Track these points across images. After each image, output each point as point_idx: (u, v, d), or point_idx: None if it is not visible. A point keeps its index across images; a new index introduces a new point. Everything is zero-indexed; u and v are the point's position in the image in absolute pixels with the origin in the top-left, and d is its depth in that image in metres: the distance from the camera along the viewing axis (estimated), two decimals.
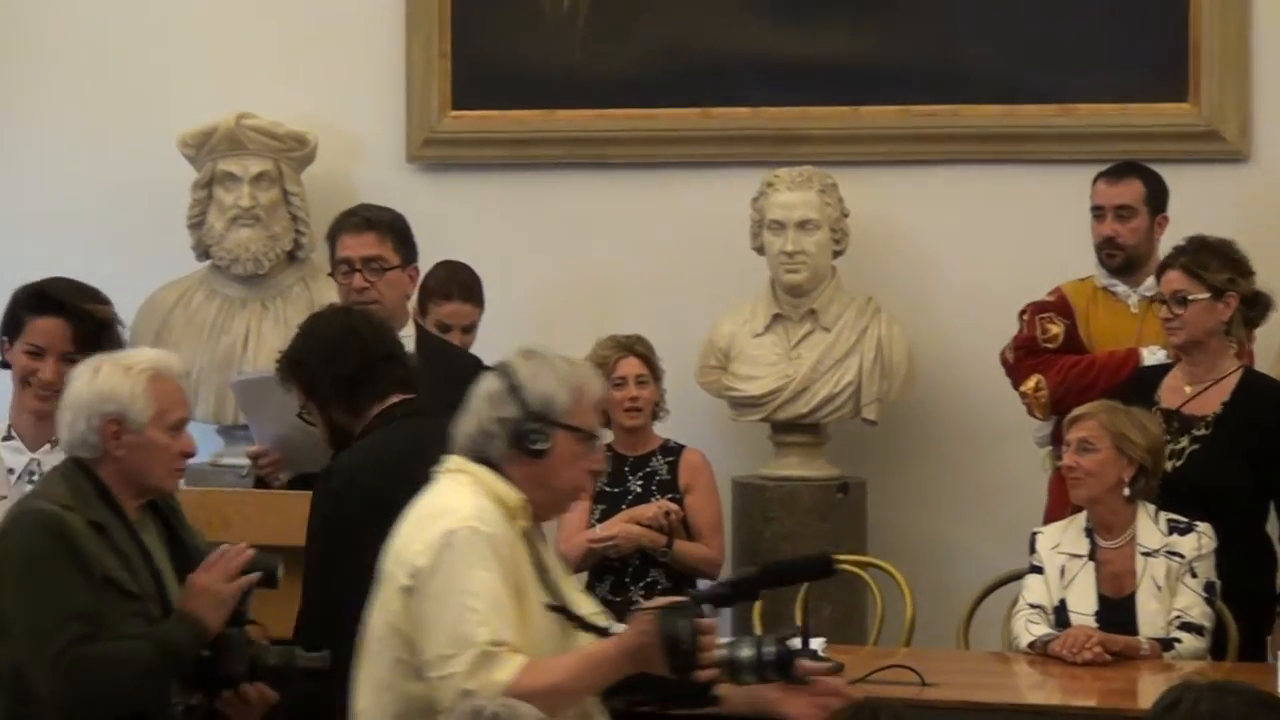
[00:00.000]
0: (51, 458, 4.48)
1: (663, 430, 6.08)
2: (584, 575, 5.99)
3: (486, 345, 5.98)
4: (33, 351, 4.53)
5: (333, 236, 5.44)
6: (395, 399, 4.43)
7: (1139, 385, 5.37)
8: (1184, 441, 5.23)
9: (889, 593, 5.54)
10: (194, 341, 6.38)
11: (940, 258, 6.41)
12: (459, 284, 6.07)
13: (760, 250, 6.26)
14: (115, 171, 6.75)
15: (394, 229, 5.38)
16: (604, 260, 6.61)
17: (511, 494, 3.59)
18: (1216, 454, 5.22)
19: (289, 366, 4.50)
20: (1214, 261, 5.26)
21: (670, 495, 5.92)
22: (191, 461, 6.37)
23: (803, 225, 6.16)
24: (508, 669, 3.41)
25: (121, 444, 3.87)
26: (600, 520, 5.92)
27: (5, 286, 6.75)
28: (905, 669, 4.60)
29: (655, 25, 6.52)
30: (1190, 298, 5.23)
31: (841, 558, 5.84)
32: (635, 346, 6.01)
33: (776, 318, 6.26)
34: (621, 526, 5.87)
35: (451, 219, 6.53)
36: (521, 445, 3.60)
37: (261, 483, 5.10)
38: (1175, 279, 5.27)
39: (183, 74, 6.73)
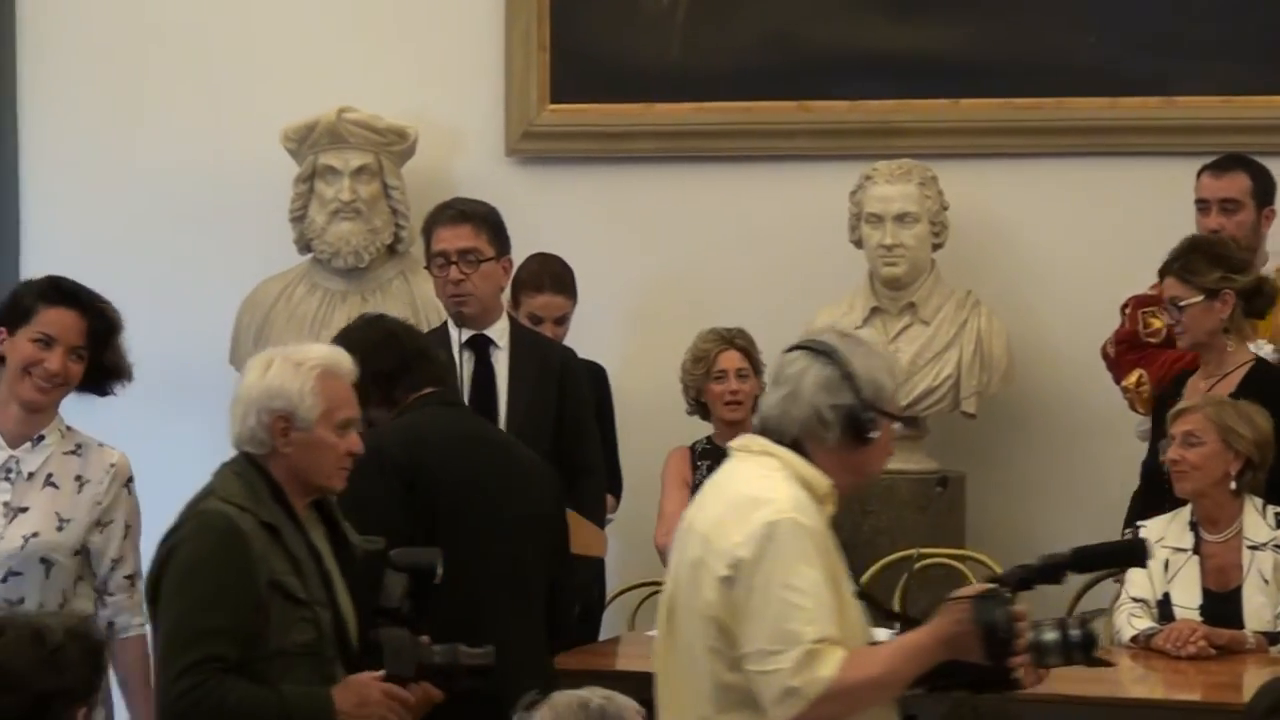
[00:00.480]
0: (32, 457, 4.47)
1: None
2: None
3: (583, 338, 6.00)
4: (41, 340, 4.45)
5: (428, 230, 5.47)
6: (428, 390, 4.48)
7: (1173, 386, 5.45)
8: None
9: None
10: (295, 335, 6.42)
11: (1041, 251, 6.37)
12: (550, 275, 6.07)
13: (858, 243, 6.24)
14: (219, 165, 6.81)
15: (488, 221, 5.41)
16: (701, 254, 6.60)
17: (822, 480, 3.52)
18: None
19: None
20: (1203, 264, 5.30)
21: None
22: None
23: (901, 218, 6.14)
24: (831, 664, 3.38)
25: (290, 441, 3.84)
26: None
27: (114, 281, 6.86)
28: None
29: (753, 18, 6.51)
30: (1184, 303, 5.29)
31: (939, 551, 5.85)
32: (736, 340, 6.01)
33: (875, 311, 6.24)
34: None
35: (550, 212, 6.55)
36: (856, 433, 3.52)
37: None
38: (1170, 286, 5.34)
39: (285, 68, 6.78)
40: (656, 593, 6.22)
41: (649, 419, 6.27)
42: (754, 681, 3.41)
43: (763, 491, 3.49)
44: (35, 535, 4.44)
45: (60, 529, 4.46)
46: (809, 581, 3.41)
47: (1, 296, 4.68)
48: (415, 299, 6.42)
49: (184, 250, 6.84)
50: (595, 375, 6.04)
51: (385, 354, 4.47)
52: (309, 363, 3.88)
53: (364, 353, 4.40)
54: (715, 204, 6.60)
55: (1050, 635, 3.51)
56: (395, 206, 6.49)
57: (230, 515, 3.78)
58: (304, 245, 6.51)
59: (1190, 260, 5.32)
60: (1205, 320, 5.28)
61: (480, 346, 5.39)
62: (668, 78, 6.56)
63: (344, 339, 4.52)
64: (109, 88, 6.96)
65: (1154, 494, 5.27)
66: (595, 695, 3.30)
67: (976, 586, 3.58)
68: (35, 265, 6.95)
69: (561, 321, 6.06)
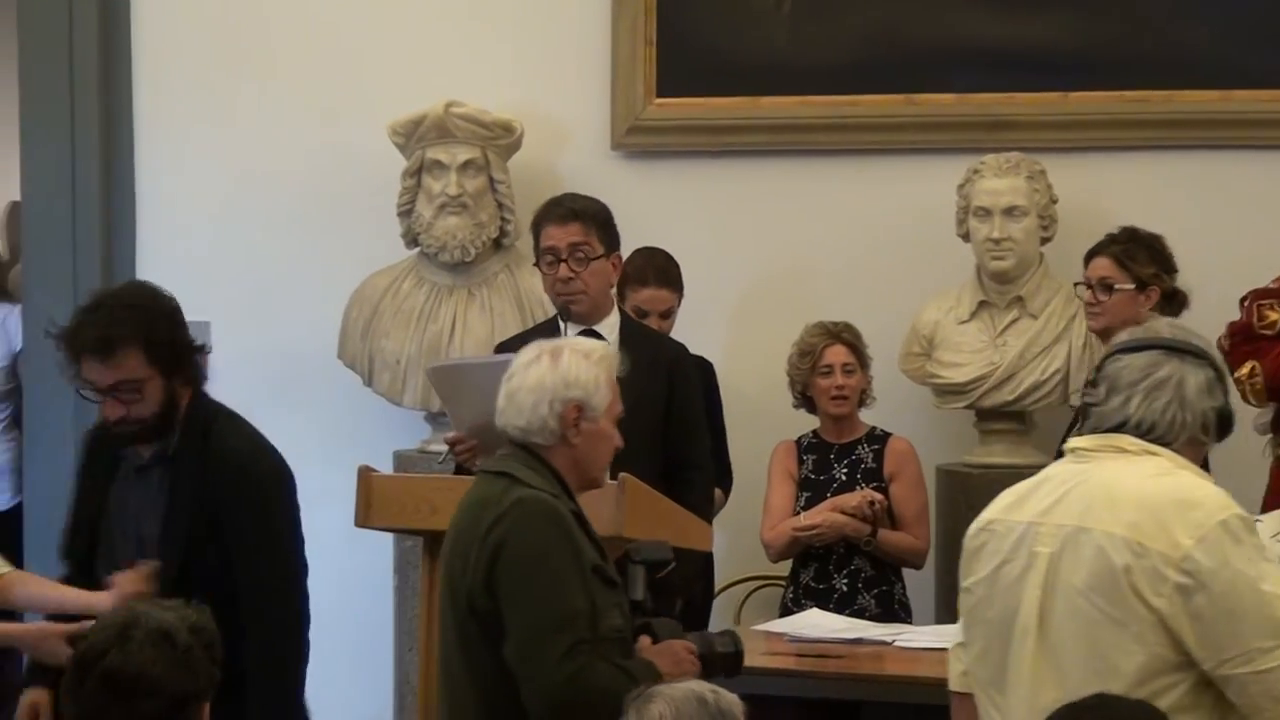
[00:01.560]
0: None
1: (867, 417, 6.05)
2: (788, 563, 5.99)
3: (689, 333, 5.99)
4: None
5: (537, 226, 5.47)
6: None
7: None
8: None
9: None
10: (402, 329, 6.46)
11: None
12: (655, 269, 6.07)
13: (966, 237, 6.20)
14: (328, 160, 6.85)
15: (598, 219, 5.40)
16: (808, 247, 6.58)
17: (1209, 479, 3.52)
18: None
19: (151, 351, 4.24)
20: (1143, 254, 5.45)
21: (875, 484, 5.89)
22: (399, 448, 6.52)
23: (1009, 212, 6.10)
24: None
25: (580, 432, 3.84)
26: (805, 508, 5.91)
27: (222, 275, 6.93)
28: None
29: (860, 11, 6.48)
30: (1116, 286, 5.45)
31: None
32: (843, 334, 5.99)
33: (982, 304, 6.21)
34: (826, 515, 5.85)
35: (656, 206, 6.55)
36: (1222, 434, 3.56)
37: (461, 469, 5.12)
38: (1104, 266, 5.49)
39: (392, 62, 6.81)
40: (762, 586, 6.28)
41: (754, 413, 6.26)
42: (1248, 682, 3.36)
43: (1189, 491, 3.45)
44: None
45: None
46: (1276, 572, 3.40)
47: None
48: (521, 292, 6.43)
49: (293, 245, 6.89)
50: (703, 369, 6.04)
51: (185, 326, 4.38)
52: (596, 354, 3.90)
53: (174, 317, 4.31)
54: (822, 198, 6.58)
55: None
56: (501, 200, 6.50)
57: (553, 502, 3.76)
58: (411, 239, 6.54)
59: (1131, 248, 5.48)
60: (1127, 309, 5.43)
61: None
62: (774, 71, 6.54)
63: (141, 308, 4.29)
64: (218, 83, 7.00)
65: None
66: (704, 689, 3.31)
67: None
68: (149, 259, 7.03)
69: (667, 315, 6.05)
